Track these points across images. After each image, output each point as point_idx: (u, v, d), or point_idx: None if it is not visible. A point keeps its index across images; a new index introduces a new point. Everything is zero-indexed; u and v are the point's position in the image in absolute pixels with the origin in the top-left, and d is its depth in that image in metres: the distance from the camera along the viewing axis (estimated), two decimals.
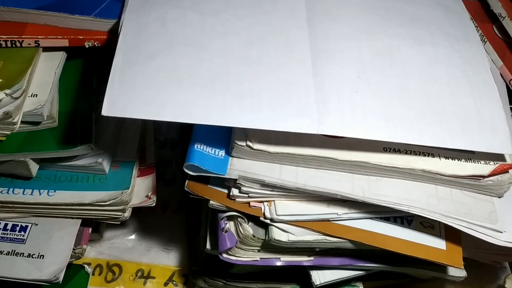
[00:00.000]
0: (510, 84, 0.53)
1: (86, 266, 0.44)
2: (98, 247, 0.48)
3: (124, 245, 0.48)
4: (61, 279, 0.39)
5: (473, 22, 0.53)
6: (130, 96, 0.36)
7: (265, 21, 0.43)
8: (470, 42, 0.46)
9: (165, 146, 0.56)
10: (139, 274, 0.47)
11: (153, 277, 0.47)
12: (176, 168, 0.55)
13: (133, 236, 0.49)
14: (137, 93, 0.36)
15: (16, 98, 0.38)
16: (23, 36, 0.41)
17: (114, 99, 0.36)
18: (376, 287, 0.47)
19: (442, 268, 0.43)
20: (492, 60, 0.54)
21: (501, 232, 0.39)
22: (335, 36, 0.43)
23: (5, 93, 0.37)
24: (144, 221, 0.50)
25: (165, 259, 0.48)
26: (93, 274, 0.46)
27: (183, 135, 0.57)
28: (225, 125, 0.36)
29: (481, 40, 0.55)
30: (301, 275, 0.44)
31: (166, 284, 0.47)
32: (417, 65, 0.42)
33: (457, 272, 0.43)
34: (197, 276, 0.45)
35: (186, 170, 0.38)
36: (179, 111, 0.36)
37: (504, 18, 0.55)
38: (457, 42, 0.45)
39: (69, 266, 0.42)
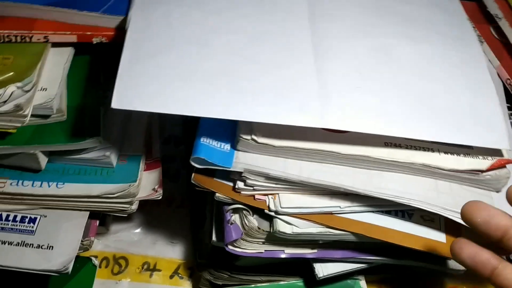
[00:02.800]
0: (507, 83, 0.54)
1: (93, 258, 0.45)
2: (105, 240, 0.49)
3: (130, 239, 0.49)
4: (70, 269, 0.40)
5: (470, 23, 0.54)
6: (138, 90, 0.37)
7: (268, 19, 0.44)
8: (467, 41, 0.47)
9: (169, 143, 0.57)
10: (145, 266, 0.47)
11: (159, 270, 0.47)
12: (180, 164, 0.55)
13: (139, 230, 0.50)
14: (145, 87, 0.37)
15: (27, 91, 0.39)
16: (32, 32, 0.42)
17: (123, 92, 0.37)
18: (378, 281, 0.48)
19: (442, 261, 0.44)
20: (489, 60, 0.56)
21: None
22: (336, 34, 0.44)
23: (16, 86, 0.38)
24: (150, 215, 0.51)
25: (170, 252, 0.49)
26: (99, 267, 0.46)
27: (187, 132, 0.58)
28: (230, 118, 0.37)
29: (479, 40, 0.56)
30: (304, 269, 0.45)
31: (171, 276, 0.47)
32: (416, 63, 0.44)
33: (457, 265, 0.44)
34: (202, 269, 0.46)
35: (193, 163, 0.39)
36: (185, 105, 0.37)
37: (500, 19, 0.56)
38: (454, 41, 0.46)
39: (76, 258, 0.43)
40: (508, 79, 0.54)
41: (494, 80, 0.53)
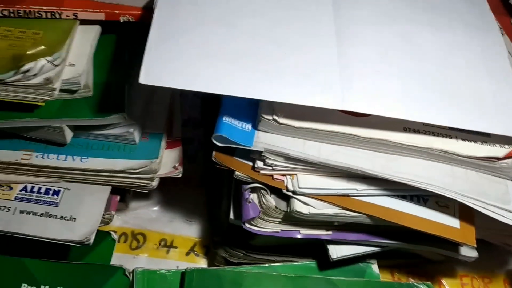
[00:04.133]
0: None
1: (112, 233, 0.46)
2: (124, 217, 0.50)
3: (148, 216, 0.50)
4: (92, 241, 0.41)
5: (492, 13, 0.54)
6: (165, 67, 0.38)
7: (292, 3, 0.45)
8: (489, 31, 0.47)
9: (187, 125, 0.58)
10: (162, 243, 0.49)
11: (176, 247, 0.49)
12: (197, 146, 0.56)
13: (157, 208, 0.51)
14: (172, 64, 0.38)
15: (57, 66, 0.40)
16: (62, 8, 0.43)
17: (150, 69, 0.37)
18: (389, 266, 0.49)
19: (455, 247, 0.44)
20: (509, 51, 0.56)
21: None
22: (359, 20, 0.45)
23: (46, 59, 0.39)
24: (168, 194, 0.52)
25: (187, 230, 0.50)
26: (118, 242, 0.48)
27: (205, 115, 0.59)
28: (253, 98, 0.38)
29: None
30: (317, 250, 0.46)
31: (188, 253, 0.48)
32: (437, 50, 0.44)
33: (469, 252, 0.44)
34: (218, 246, 0.47)
35: (214, 141, 0.40)
36: (210, 83, 0.38)
37: None
38: (477, 30, 0.47)
39: (96, 232, 0.44)
40: None
41: None
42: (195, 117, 0.59)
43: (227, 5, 0.43)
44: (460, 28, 0.47)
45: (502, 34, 0.56)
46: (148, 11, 0.44)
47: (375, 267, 0.46)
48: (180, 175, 0.45)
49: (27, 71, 0.38)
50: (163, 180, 0.46)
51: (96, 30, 0.45)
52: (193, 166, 0.54)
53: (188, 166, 0.53)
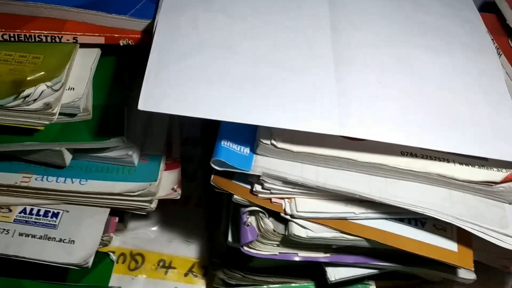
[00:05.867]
0: None
1: (111, 253, 0.46)
2: (122, 237, 0.50)
3: (147, 236, 0.50)
4: (90, 264, 0.41)
5: (489, 34, 0.54)
6: (164, 92, 0.38)
7: (291, 26, 0.45)
8: (486, 53, 0.48)
9: (187, 144, 0.58)
10: (161, 264, 0.49)
11: (174, 268, 0.49)
12: (197, 164, 0.57)
13: (155, 228, 0.51)
14: (171, 90, 0.38)
15: (56, 91, 0.40)
16: (62, 32, 0.43)
17: (149, 95, 0.38)
18: (388, 287, 0.49)
19: (453, 270, 0.44)
20: (507, 73, 0.56)
21: (511, 237, 0.41)
22: (357, 43, 0.45)
23: (46, 85, 0.39)
24: (166, 214, 0.52)
25: (185, 251, 0.50)
26: (117, 262, 0.48)
27: (205, 134, 0.59)
28: (252, 124, 0.38)
29: (497, 53, 0.57)
30: (315, 272, 0.46)
31: (186, 274, 0.48)
32: (434, 73, 0.44)
33: (467, 274, 0.44)
34: (216, 268, 0.47)
35: (213, 165, 0.40)
36: (210, 109, 0.38)
37: None
38: (474, 52, 0.47)
39: (96, 253, 0.44)
40: None
41: (511, 92, 0.54)
42: (194, 136, 0.59)
43: (227, 29, 0.44)
44: (458, 51, 0.47)
45: (500, 55, 0.57)
46: (147, 34, 0.44)
47: None
48: (179, 197, 0.45)
49: (27, 96, 0.39)
50: (162, 200, 0.46)
51: (96, 53, 0.46)
52: (192, 185, 0.55)
53: (187, 185, 0.54)
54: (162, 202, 0.46)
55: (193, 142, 0.58)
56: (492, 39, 0.58)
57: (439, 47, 0.47)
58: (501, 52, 0.58)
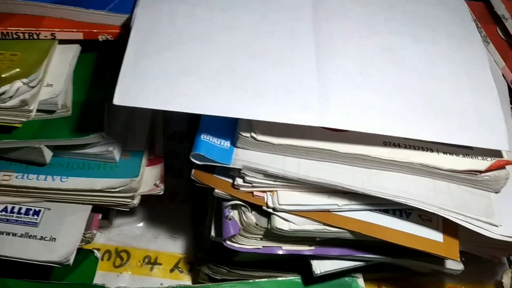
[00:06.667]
0: (511, 84, 0.54)
1: (95, 251, 0.46)
2: (108, 234, 0.50)
3: (132, 232, 0.50)
4: (71, 261, 0.41)
5: (477, 23, 0.54)
6: (140, 86, 0.38)
7: (272, 17, 0.45)
8: (471, 42, 0.47)
9: (173, 139, 0.58)
10: (146, 260, 0.48)
11: (160, 264, 0.48)
12: (184, 160, 0.56)
13: (141, 224, 0.51)
14: (148, 84, 0.38)
15: (33, 87, 0.40)
16: (40, 29, 0.43)
17: (125, 89, 0.37)
18: (376, 279, 0.48)
19: (440, 260, 0.44)
20: (494, 60, 0.56)
21: (497, 226, 0.40)
22: (339, 33, 0.45)
23: (22, 82, 0.39)
24: (152, 210, 0.52)
25: (171, 247, 0.50)
26: (102, 259, 0.47)
27: (192, 128, 0.58)
28: (231, 116, 0.38)
29: (485, 41, 0.56)
30: (302, 265, 0.46)
31: (172, 270, 0.48)
32: (418, 62, 0.44)
33: (454, 265, 0.44)
34: (202, 263, 0.47)
35: (193, 159, 0.40)
36: (187, 102, 0.38)
37: (507, 20, 0.56)
38: (458, 41, 0.46)
39: (79, 250, 0.44)
40: None
41: (498, 80, 0.53)
42: (181, 131, 0.58)
43: (206, 21, 0.43)
44: (442, 40, 0.46)
45: (488, 43, 0.56)
46: (126, 29, 0.44)
47: (360, 281, 0.46)
48: (162, 193, 0.45)
49: (3, 93, 0.38)
50: (148, 196, 0.46)
51: (75, 49, 0.45)
52: (179, 181, 0.54)
53: (174, 181, 0.54)
54: (148, 199, 0.46)
55: (180, 138, 0.58)
56: (480, 27, 0.57)
57: (423, 36, 0.46)
58: (489, 40, 0.57)
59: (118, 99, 0.37)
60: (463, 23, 0.49)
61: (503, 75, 0.54)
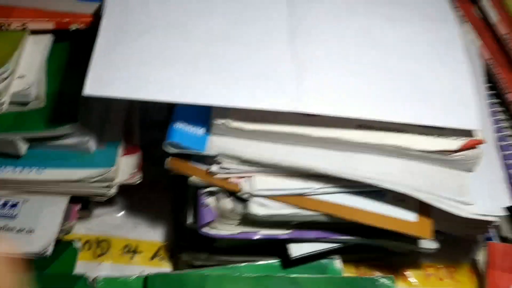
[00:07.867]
0: (488, 63, 0.54)
1: (75, 241, 0.46)
2: (88, 224, 0.50)
3: (113, 222, 0.50)
4: (49, 252, 0.41)
5: (454, 2, 0.54)
6: (112, 76, 0.38)
7: (246, 2, 0.45)
8: (446, 23, 0.47)
9: (153, 127, 0.57)
10: (127, 249, 0.49)
11: (140, 252, 0.49)
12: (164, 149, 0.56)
13: (121, 214, 0.51)
14: (119, 73, 0.38)
15: (4, 79, 0.40)
16: (10, 19, 0.43)
17: (96, 78, 0.37)
18: (354, 260, 0.49)
19: (415, 240, 0.44)
20: (472, 40, 0.56)
21: (470, 205, 0.41)
22: (314, 16, 0.45)
23: None
24: (132, 199, 0.52)
25: (152, 235, 0.50)
26: (82, 249, 0.48)
27: (171, 117, 0.58)
28: (203, 104, 0.38)
29: (462, 20, 0.56)
30: (282, 250, 0.46)
31: (152, 258, 0.48)
32: (392, 44, 0.44)
33: (429, 244, 0.44)
34: (182, 250, 0.47)
35: (167, 148, 0.40)
36: (158, 91, 0.38)
37: None
38: (432, 21, 0.47)
39: (59, 242, 0.44)
40: (489, 59, 0.55)
41: (475, 60, 0.53)
42: (161, 120, 0.58)
43: (180, 7, 0.43)
44: (416, 20, 0.47)
45: (466, 22, 0.56)
46: (98, 17, 0.43)
47: (338, 263, 0.46)
48: (140, 181, 0.45)
49: None
50: (128, 186, 0.46)
51: (47, 39, 0.45)
52: (159, 169, 0.54)
53: (154, 170, 0.53)
54: (128, 188, 0.46)
55: (160, 126, 0.58)
56: (457, 7, 0.57)
57: (398, 18, 0.46)
58: (467, 20, 0.57)
59: (89, 89, 0.37)
60: (438, 5, 0.49)
61: (480, 55, 0.55)
